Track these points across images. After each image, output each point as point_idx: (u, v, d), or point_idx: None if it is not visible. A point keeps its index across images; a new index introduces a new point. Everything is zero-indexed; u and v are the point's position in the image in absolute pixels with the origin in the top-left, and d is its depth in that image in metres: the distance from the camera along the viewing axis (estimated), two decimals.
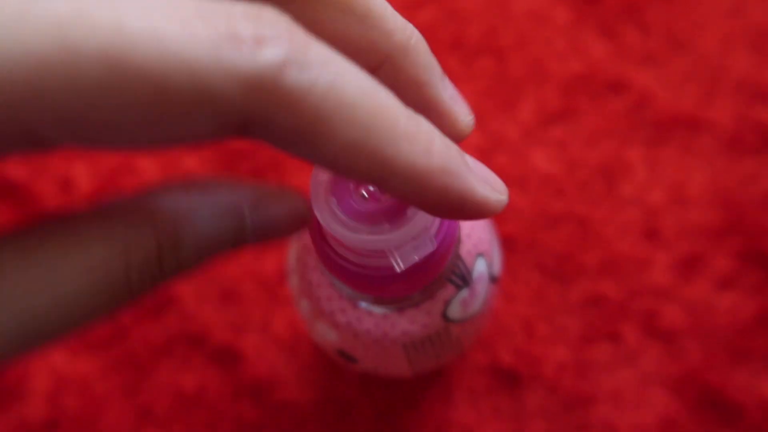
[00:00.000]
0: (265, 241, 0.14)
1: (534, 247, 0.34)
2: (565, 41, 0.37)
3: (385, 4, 0.14)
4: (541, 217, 0.34)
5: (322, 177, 0.15)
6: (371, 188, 0.15)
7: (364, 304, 0.19)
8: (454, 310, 0.20)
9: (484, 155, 0.35)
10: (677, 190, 0.35)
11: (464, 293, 0.20)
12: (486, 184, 0.13)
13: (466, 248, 0.20)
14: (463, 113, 0.16)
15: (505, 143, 0.35)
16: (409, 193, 0.12)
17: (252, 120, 0.11)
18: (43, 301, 0.11)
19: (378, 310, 0.19)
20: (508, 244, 0.33)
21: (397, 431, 0.31)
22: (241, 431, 0.31)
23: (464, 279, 0.20)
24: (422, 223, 0.14)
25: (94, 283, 0.11)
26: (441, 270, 0.17)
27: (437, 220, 0.16)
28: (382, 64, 0.15)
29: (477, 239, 0.20)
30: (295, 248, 0.22)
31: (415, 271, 0.15)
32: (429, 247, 0.14)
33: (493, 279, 0.22)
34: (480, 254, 0.20)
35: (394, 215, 0.14)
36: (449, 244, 0.16)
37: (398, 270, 0.14)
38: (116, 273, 0.12)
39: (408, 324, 0.19)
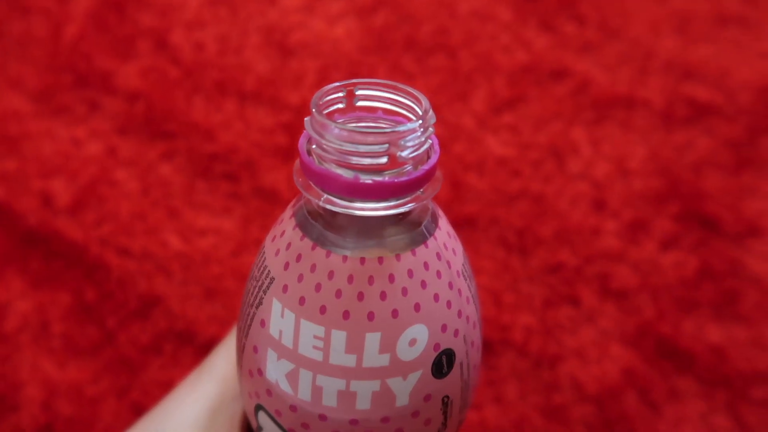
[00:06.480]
0: None
1: (495, 224, 0.36)
2: (509, 36, 0.40)
3: None
4: (500, 196, 0.37)
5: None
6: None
7: None
8: None
9: (443, 144, 0.38)
10: (620, 163, 0.38)
11: None
12: None
13: None
14: None
15: (462, 132, 0.38)
16: None
17: None
18: None
19: None
20: (472, 222, 0.36)
21: None
22: None
23: None
24: None
25: None
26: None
27: None
28: None
29: None
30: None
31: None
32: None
33: None
34: None
35: None
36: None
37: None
38: None
39: None
